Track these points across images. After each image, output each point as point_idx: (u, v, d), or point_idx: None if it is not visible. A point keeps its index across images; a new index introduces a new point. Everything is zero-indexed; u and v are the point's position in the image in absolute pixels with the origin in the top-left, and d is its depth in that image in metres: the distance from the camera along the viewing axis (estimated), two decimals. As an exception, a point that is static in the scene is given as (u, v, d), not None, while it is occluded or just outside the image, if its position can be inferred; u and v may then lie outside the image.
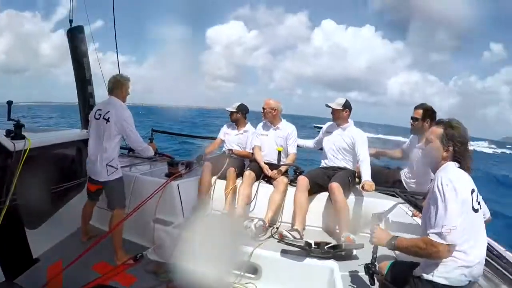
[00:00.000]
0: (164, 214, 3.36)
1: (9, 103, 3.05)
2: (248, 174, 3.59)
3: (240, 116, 4.11)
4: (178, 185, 3.47)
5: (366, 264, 2.16)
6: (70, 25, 3.85)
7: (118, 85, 3.24)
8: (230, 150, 4.06)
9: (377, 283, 2.13)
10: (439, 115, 3.24)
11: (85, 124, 3.87)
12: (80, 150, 3.74)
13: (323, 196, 3.44)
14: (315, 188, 3.38)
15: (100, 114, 3.12)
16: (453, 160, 1.77)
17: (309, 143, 4.05)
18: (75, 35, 3.84)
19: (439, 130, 1.81)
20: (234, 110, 4.08)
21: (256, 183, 3.62)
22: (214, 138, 4.47)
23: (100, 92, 4.14)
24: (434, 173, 1.81)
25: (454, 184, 1.62)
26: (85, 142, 3.51)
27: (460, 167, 1.75)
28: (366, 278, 2.19)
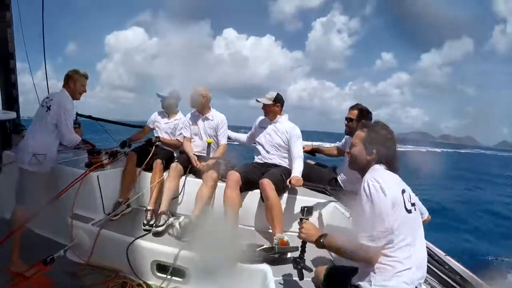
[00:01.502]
0: (83, 209, 3.03)
1: None
2: (175, 166, 3.32)
3: (173, 102, 3.87)
4: (98, 176, 3.13)
5: (294, 258, 2.00)
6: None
7: (66, 79, 3.04)
8: (157, 137, 3.77)
9: (307, 279, 2.03)
10: (338, 117, 3.22)
11: (7, 103, 3.51)
12: None
13: (255, 194, 3.19)
14: (248, 185, 3.14)
15: (46, 102, 2.93)
16: (379, 163, 1.70)
17: (242, 137, 3.88)
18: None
19: (362, 134, 1.78)
20: (168, 95, 3.82)
21: (184, 177, 3.37)
22: (143, 127, 4.21)
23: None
24: (362, 177, 1.73)
25: (381, 185, 1.53)
26: None
27: (388, 169, 1.69)
28: (302, 283, 2.03)
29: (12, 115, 3.52)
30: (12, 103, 3.66)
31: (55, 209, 2.86)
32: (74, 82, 3.06)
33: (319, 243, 1.73)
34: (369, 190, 1.53)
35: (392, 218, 1.50)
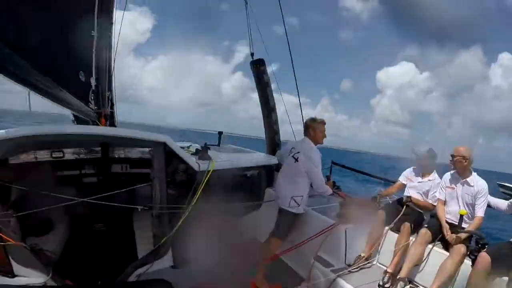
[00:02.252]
0: (326, 253, 3.28)
1: (220, 133, 3.96)
2: (424, 232, 3.11)
3: (426, 162, 3.63)
4: (346, 230, 3.31)
5: None
6: (252, 58, 4.19)
7: (306, 127, 3.51)
8: (409, 197, 3.54)
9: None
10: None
11: (269, 148, 4.13)
12: (259, 175, 3.96)
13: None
14: (500, 271, 2.56)
15: (292, 152, 3.47)
16: None
17: (502, 204, 3.19)
18: (257, 67, 4.13)
19: None
20: (425, 153, 3.62)
21: (430, 245, 3.11)
22: (394, 182, 4.02)
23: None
24: None
25: None
26: (266, 168, 3.81)
27: None
28: None
29: (274, 160, 4.05)
30: (274, 147, 4.18)
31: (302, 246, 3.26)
32: (314, 130, 3.42)
33: None
34: None
35: None
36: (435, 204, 3.42)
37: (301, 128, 3.76)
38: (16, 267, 3.14)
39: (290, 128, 4.41)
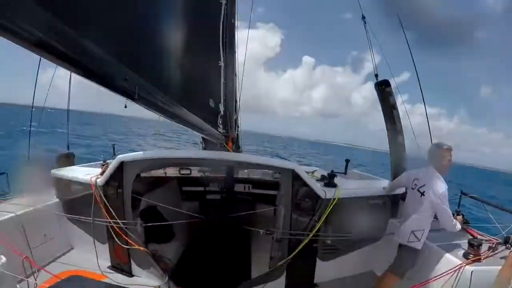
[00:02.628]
0: None
1: (347, 160, 4.22)
2: None
3: None
4: (472, 271, 2.93)
5: None
6: (376, 79, 3.97)
7: (432, 155, 3.19)
8: None
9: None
10: None
11: (394, 175, 3.99)
12: (384, 205, 3.71)
13: None
14: None
15: (416, 185, 3.18)
16: None
17: None
18: (382, 89, 3.90)
19: None
20: None
21: None
22: None
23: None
24: None
25: None
26: (391, 198, 3.75)
27: None
28: None
29: (400, 189, 3.78)
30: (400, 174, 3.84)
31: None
32: (442, 158, 3.10)
33: None
34: None
35: None
36: None
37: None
38: (135, 268, 3.54)
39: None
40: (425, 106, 4.29)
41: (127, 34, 2.05)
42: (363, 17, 4.36)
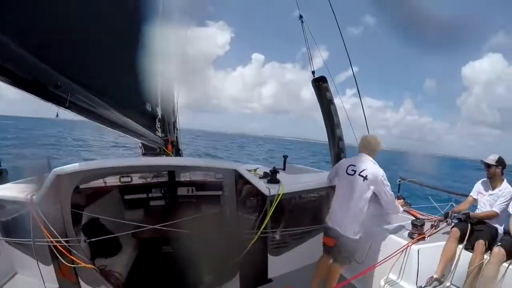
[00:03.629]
0: (396, 276, 3.19)
1: (285, 156, 4.09)
2: (497, 251, 2.89)
3: (498, 171, 3.41)
4: (419, 250, 3.16)
5: None
6: (313, 76, 4.08)
7: (366, 146, 3.33)
8: (467, 214, 3.34)
9: None
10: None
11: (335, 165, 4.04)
12: (327, 196, 3.88)
13: None
14: None
15: (354, 170, 3.22)
16: None
17: None
18: (319, 85, 4.02)
19: None
20: (493, 163, 3.37)
21: (506, 264, 2.88)
22: (467, 195, 3.78)
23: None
24: None
25: None
26: (334, 188, 3.70)
27: None
28: None
29: None
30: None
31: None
32: (374, 149, 3.31)
33: None
34: None
35: None
36: (498, 212, 3.25)
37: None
38: (85, 287, 3.31)
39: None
40: (360, 98, 4.49)
41: (58, 37, 1.89)
42: (301, 16, 4.46)
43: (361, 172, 3.13)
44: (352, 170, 3.21)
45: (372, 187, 3.09)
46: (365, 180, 3.09)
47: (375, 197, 3.17)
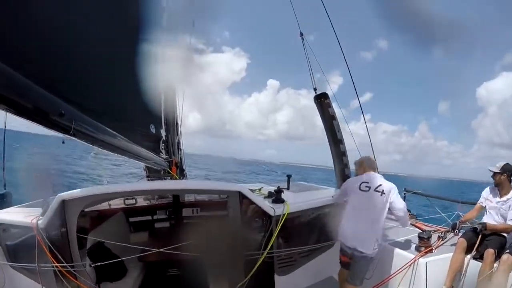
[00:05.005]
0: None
1: (289, 176, 4.12)
2: (506, 259, 2.85)
3: (504, 179, 3.37)
4: (426, 263, 3.12)
5: None
6: (315, 93, 4.11)
7: (371, 165, 3.45)
8: (483, 225, 3.26)
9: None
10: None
11: (340, 182, 4.07)
12: (333, 213, 3.86)
13: None
14: None
15: (368, 187, 3.21)
16: None
17: None
18: (321, 101, 4.05)
19: None
20: (498, 171, 3.35)
21: None
22: (474, 203, 3.79)
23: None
24: None
25: None
26: (340, 205, 3.72)
27: None
28: None
29: None
30: (344, 180, 3.98)
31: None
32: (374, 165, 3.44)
33: None
34: None
35: None
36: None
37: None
38: None
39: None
40: (363, 115, 4.51)
41: (60, 64, 1.91)
42: (301, 34, 4.51)
43: (376, 188, 3.17)
44: (366, 186, 3.22)
45: (389, 201, 3.12)
46: (383, 195, 3.12)
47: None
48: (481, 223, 3.30)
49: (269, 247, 3.28)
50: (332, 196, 3.97)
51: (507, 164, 3.36)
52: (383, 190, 3.13)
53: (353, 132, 4.32)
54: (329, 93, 4.20)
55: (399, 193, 4.08)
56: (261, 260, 3.25)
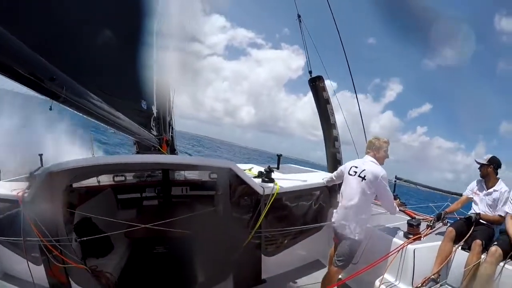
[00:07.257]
0: (392, 275, 3.16)
1: (279, 155, 4.06)
2: (494, 250, 2.85)
3: (490, 170, 3.38)
4: (414, 250, 3.13)
5: None
6: (310, 75, 4.08)
7: (371, 145, 3.29)
8: (478, 214, 3.30)
9: None
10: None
11: (331, 165, 4.01)
12: (323, 196, 3.89)
13: None
14: None
15: (355, 171, 3.20)
16: None
17: None
18: (315, 84, 4.01)
19: None
20: (485, 162, 3.37)
21: (502, 264, 2.82)
22: (461, 195, 3.78)
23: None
24: None
25: None
26: (330, 188, 3.82)
27: None
28: None
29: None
30: (336, 164, 4.00)
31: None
32: (378, 149, 3.24)
33: None
34: None
35: None
36: (503, 215, 3.21)
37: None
38: (76, 287, 3.25)
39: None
40: (357, 99, 4.46)
41: (55, 32, 1.86)
42: (299, 16, 4.44)
43: (361, 172, 3.13)
44: (354, 171, 3.21)
45: (372, 187, 3.08)
46: (364, 181, 3.09)
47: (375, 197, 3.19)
48: (475, 213, 3.34)
49: (256, 226, 3.26)
50: (323, 179, 3.96)
51: (494, 156, 3.39)
52: (364, 176, 3.10)
53: (407, 145, 4.30)
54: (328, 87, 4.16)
55: (391, 180, 4.08)
56: (248, 240, 3.24)
